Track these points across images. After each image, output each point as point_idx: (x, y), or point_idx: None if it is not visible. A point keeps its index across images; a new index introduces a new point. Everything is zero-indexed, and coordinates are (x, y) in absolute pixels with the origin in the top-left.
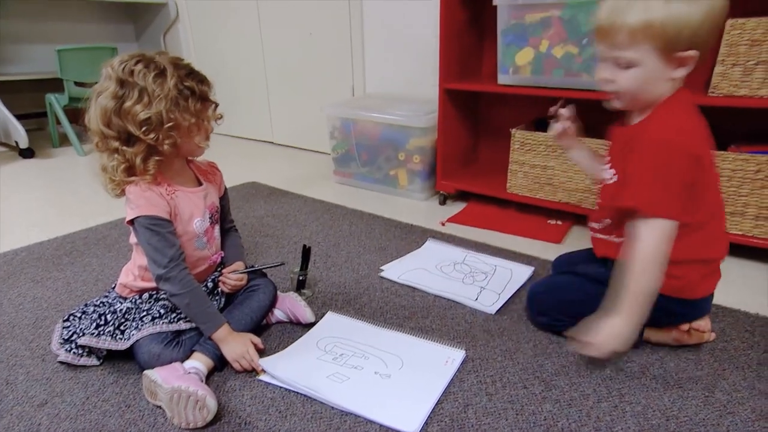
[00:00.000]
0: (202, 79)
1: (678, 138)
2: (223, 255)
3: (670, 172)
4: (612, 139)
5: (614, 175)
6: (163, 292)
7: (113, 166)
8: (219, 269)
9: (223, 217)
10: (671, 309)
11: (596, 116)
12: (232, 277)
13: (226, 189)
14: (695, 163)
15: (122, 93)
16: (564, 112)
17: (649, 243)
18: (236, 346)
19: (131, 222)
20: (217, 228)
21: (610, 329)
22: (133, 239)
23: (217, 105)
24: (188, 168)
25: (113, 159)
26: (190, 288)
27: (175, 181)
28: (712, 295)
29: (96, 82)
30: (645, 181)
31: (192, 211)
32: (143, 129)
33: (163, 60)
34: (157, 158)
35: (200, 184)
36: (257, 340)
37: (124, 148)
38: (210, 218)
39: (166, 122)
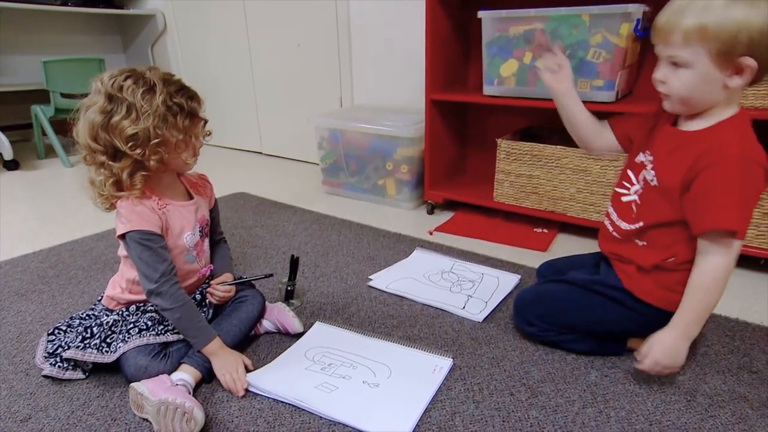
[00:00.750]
0: (191, 96)
1: (760, 157)
2: (212, 268)
3: (753, 193)
4: (658, 136)
5: (655, 176)
6: (150, 305)
7: (101, 181)
8: (208, 281)
9: (212, 229)
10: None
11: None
12: (221, 288)
13: (216, 201)
14: (766, 185)
15: (110, 108)
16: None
17: (727, 263)
18: (227, 361)
19: (122, 236)
20: (206, 241)
21: (663, 344)
22: (122, 251)
23: (206, 122)
24: (179, 181)
25: (100, 173)
26: (181, 302)
27: (166, 195)
28: None
29: (83, 94)
30: (734, 202)
31: (182, 224)
32: (130, 144)
33: (153, 76)
34: (143, 173)
35: (191, 197)
36: (248, 361)
37: (111, 162)
38: (200, 231)
39: (153, 138)
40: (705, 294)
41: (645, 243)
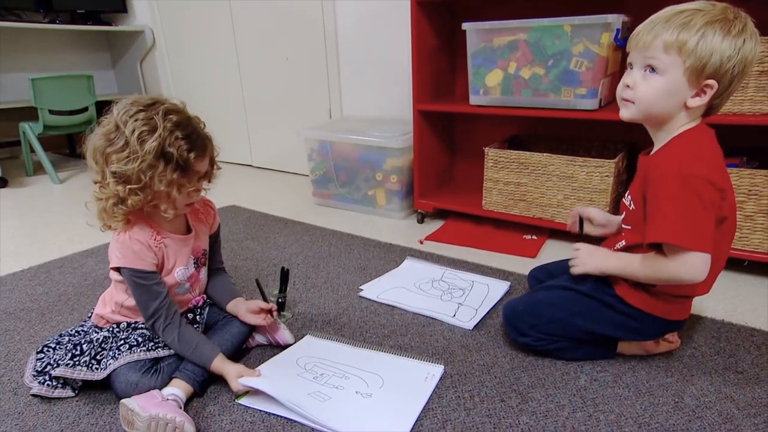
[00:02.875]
0: (193, 148)
1: (701, 171)
2: (205, 297)
3: (696, 205)
4: (637, 168)
5: (631, 201)
6: (141, 322)
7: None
8: (205, 304)
9: (212, 256)
10: (661, 328)
11: (569, 130)
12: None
13: (219, 227)
14: (720, 197)
15: (113, 137)
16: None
17: (669, 269)
18: (233, 368)
19: (116, 269)
20: (203, 270)
21: (597, 257)
22: (114, 276)
23: (201, 177)
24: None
25: (95, 193)
26: (173, 336)
27: (165, 228)
28: None
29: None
30: (668, 217)
31: (176, 259)
32: (113, 180)
33: (162, 117)
34: (123, 208)
35: (190, 230)
36: (247, 371)
37: (99, 187)
38: (195, 263)
39: (135, 182)
40: (638, 269)
41: None
